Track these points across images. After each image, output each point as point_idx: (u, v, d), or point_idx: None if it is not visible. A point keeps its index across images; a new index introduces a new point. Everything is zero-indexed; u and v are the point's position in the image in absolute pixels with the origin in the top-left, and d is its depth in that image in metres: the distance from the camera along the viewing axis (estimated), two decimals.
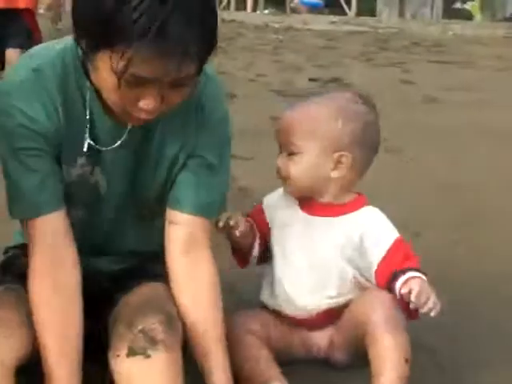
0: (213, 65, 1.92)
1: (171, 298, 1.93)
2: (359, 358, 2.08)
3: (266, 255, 2.23)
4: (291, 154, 2.10)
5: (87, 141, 1.86)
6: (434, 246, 3.07)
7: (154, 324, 1.76)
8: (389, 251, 2.09)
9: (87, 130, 1.86)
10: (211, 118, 1.95)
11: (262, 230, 2.22)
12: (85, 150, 1.87)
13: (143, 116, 1.74)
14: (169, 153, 1.94)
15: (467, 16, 24.83)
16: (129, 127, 1.87)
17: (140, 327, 1.75)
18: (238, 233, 2.12)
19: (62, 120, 1.84)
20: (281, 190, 2.23)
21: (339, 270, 2.12)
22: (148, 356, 1.70)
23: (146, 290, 1.95)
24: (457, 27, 17.99)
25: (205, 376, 1.89)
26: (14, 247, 2.14)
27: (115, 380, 1.75)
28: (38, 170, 1.82)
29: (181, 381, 1.76)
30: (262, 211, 2.24)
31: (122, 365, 1.73)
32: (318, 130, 2.09)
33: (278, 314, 2.19)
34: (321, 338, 2.19)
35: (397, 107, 5.29)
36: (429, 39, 14.02)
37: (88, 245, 1.97)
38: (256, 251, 2.23)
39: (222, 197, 2.03)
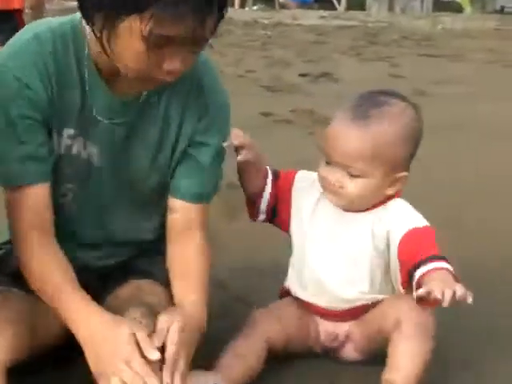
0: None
1: (156, 290, 1.97)
2: (370, 356, 2.12)
3: (275, 217, 2.24)
4: (351, 174, 2.05)
5: (81, 112, 1.90)
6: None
7: (136, 318, 1.79)
8: (413, 232, 2.04)
9: (82, 102, 1.89)
10: (214, 101, 2.00)
11: (281, 190, 2.21)
12: (90, 118, 1.91)
13: (168, 78, 1.79)
14: (169, 133, 1.98)
15: (457, 9, 24.83)
16: (126, 99, 1.91)
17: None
18: (240, 156, 2.11)
19: (56, 89, 1.86)
20: (315, 175, 2.17)
21: (370, 265, 2.10)
22: None
23: (129, 289, 1.98)
24: (447, 20, 18.00)
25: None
26: (6, 243, 2.14)
27: None
28: (29, 139, 1.85)
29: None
30: (292, 180, 2.22)
31: None
32: (384, 156, 2.03)
33: (302, 303, 2.19)
34: (339, 328, 2.19)
35: None
36: (418, 33, 14.04)
37: (77, 233, 2.01)
38: (264, 204, 2.23)
39: (219, 183, 2.11)
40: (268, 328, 2.13)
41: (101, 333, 1.76)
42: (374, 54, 10.25)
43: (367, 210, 2.12)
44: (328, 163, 2.08)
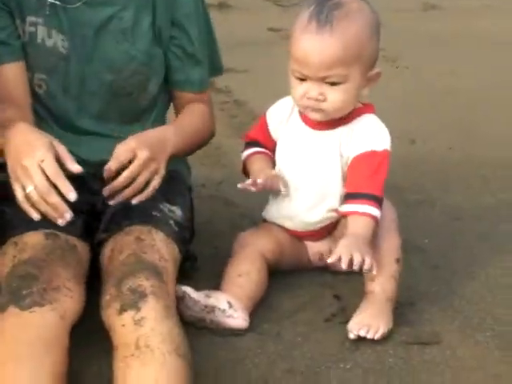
0: None
1: (156, 242, 1.94)
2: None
3: None
4: (332, 83, 1.99)
5: None
6: (428, 153, 3.09)
7: (141, 281, 1.77)
8: (364, 156, 2.06)
9: None
10: None
11: (270, 147, 2.22)
12: (48, 4, 1.96)
13: None
14: (141, 20, 2.03)
15: None
16: None
17: (128, 286, 1.77)
18: (255, 189, 2.09)
19: None
20: (282, 102, 2.19)
21: (339, 183, 2.12)
22: (139, 309, 1.71)
23: (131, 240, 1.94)
24: None
25: None
26: None
27: (111, 336, 1.76)
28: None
29: (176, 321, 1.76)
30: (266, 125, 2.23)
31: (115, 322, 1.74)
32: (362, 53, 1.98)
33: (283, 228, 2.23)
34: (322, 247, 2.24)
35: (394, 15, 5.21)
36: None
37: (66, 123, 2.05)
38: None
39: (212, 66, 2.21)
40: (261, 244, 2.17)
41: (24, 135, 1.80)
42: None
43: (335, 125, 2.10)
44: (303, 79, 2.02)
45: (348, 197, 2.07)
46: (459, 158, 3.14)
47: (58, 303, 1.71)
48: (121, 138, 1.97)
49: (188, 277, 2.08)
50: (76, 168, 1.75)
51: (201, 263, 2.21)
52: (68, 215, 1.75)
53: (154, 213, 2.01)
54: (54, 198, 1.72)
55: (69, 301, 1.75)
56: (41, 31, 1.99)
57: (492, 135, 3.36)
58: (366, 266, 1.91)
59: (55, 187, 1.72)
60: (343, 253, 1.90)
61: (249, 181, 2.08)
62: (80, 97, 2.06)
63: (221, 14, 5.19)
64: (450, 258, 2.38)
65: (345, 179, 2.11)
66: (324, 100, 2.01)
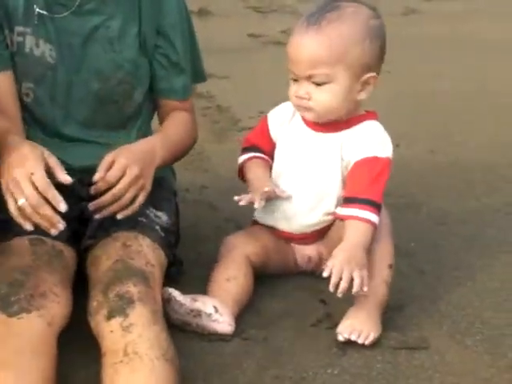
0: None
1: (143, 248, 1.94)
2: None
3: None
4: (318, 83, 2.01)
5: (36, 9, 1.96)
6: (412, 157, 3.09)
7: (128, 287, 1.77)
8: (365, 161, 2.06)
9: None
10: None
11: (269, 152, 2.22)
12: (36, 14, 1.96)
13: None
14: (128, 29, 2.04)
15: None
16: None
17: (115, 292, 1.77)
18: (258, 205, 2.08)
19: None
20: (284, 105, 2.21)
21: (337, 185, 2.12)
22: (126, 315, 1.71)
23: (118, 245, 1.93)
24: None
25: None
26: None
27: (99, 342, 1.75)
28: None
29: (163, 326, 1.75)
30: (266, 127, 2.23)
31: (104, 328, 1.73)
32: (349, 54, 1.99)
33: (272, 229, 2.21)
34: (311, 250, 2.23)
35: None
36: None
37: (53, 131, 2.04)
38: None
39: (195, 73, 2.24)
40: (248, 248, 2.16)
41: (15, 147, 1.81)
42: None
43: (338, 129, 2.11)
44: (295, 80, 2.07)
45: (347, 201, 2.05)
46: (443, 161, 3.14)
47: (45, 309, 1.71)
48: (107, 145, 2.00)
49: (173, 281, 2.06)
50: (66, 179, 1.78)
51: (185, 268, 2.19)
52: (61, 225, 1.77)
53: (140, 218, 2.00)
54: (46, 210, 1.74)
55: (56, 306, 1.74)
56: (29, 41, 1.99)
57: (476, 139, 3.37)
58: (354, 289, 1.90)
59: (46, 199, 1.74)
60: (334, 270, 1.89)
61: (247, 197, 2.07)
62: (67, 105, 2.06)
63: (200, 20, 5.18)
64: (436, 262, 2.37)
65: (344, 183, 2.10)
66: (309, 99, 2.04)
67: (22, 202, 1.74)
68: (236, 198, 2.07)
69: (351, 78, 2.02)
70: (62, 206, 1.74)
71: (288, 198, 2.14)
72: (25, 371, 1.57)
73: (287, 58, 2.05)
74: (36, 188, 1.73)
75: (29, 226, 1.77)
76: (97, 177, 1.87)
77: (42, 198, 1.73)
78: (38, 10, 1.97)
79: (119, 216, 1.91)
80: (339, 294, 1.90)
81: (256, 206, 2.06)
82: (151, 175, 1.96)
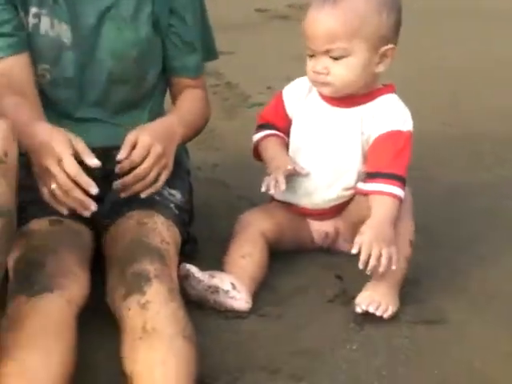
0: None
1: (158, 225, 1.95)
2: None
3: None
4: (335, 57, 2.01)
5: None
6: (423, 130, 3.06)
7: (145, 265, 1.78)
8: (387, 135, 2.05)
9: None
10: None
11: (285, 128, 2.20)
12: None
13: None
14: (142, 8, 2.03)
15: None
16: None
17: (132, 270, 1.77)
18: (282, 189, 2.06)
19: None
20: (299, 81, 2.20)
21: (358, 160, 2.10)
22: (144, 292, 1.72)
23: (133, 224, 1.94)
24: None
25: None
26: None
27: (117, 320, 1.76)
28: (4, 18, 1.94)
29: (180, 304, 1.76)
30: (282, 103, 2.21)
31: (121, 306, 1.74)
32: (365, 28, 1.98)
33: (289, 205, 2.20)
34: (328, 226, 2.22)
35: None
36: None
37: (70, 112, 2.04)
38: None
39: (207, 51, 2.23)
40: (262, 225, 2.16)
41: (42, 134, 1.81)
42: None
43: (356, 103, 2.10)
44: (312, 56, 2.06)
45: (371, 176, 2.04)
46: (454, 134, 3.12)
47: (66, 289, 1.72)
48: (119, 126, 2.02)
49: (188, 259, 2.04)
50: (95, 163, 1.78)
51: (199, 245, 2.19)
52: (93, 207, 1.79)
53: (155, 197, 2.00)
54: (78, 194, 1.77)
55: (76, 286, 1.75)
56: (44, 22, 1.99)
57: (485, 109, 3.35)
58: (381, 268, 1.90)
59: (77, 183, 1.76)
60: (364, 248, 1.89)
61: (271, 182, 2.05)
62: (81, 85, 2.05)
63: None
64: (452, 235, 2.36)
65: (364, 157, 2.08)
66: (328, 74, 2.03)
67: (54, 186, 1.76)
68: (263, 189, 2.05)
69: (369, 50, 2.01)
70: (93, 190, 1.76)
71: (307, 174, 2.12)
72: (47, 350, 1.58)
73: (304, 34, 2.04)
74: (67, 174, 1.75)
75: (65, 211, 1.80)
76: (121, 155, 1.86)
77: (73, 184, 1.75)
78: None
79: (143, 195, 1.91)
80: (368, 272, 1.90)
81: (282, 188, 2.04)
82: (173, 153, 1.96)
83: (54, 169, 1.75)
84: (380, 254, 1.89)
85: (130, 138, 1.87)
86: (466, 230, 2.39)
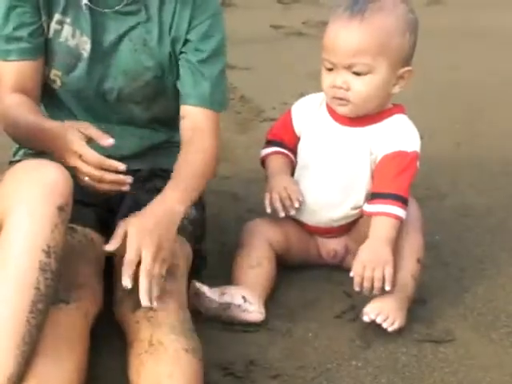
0: None
1: None
2: None
3: None
4: (357, 73, 2.01)
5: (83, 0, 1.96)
6: (436, 148, 3.07)
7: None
8: (392, 155, 2.05)
9: None
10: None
11: (292, 146, 2.21)
12: (84, 5, 1.96)
13: None
14: (163, 34, 2.02)
15: None
16: None
17: None
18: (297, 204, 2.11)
19: None
20: (309, 98, 2.20)
21: (366, 180, 2.10)
22: (152, 306, 1.72)
23: None
24: None
25: None
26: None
27: (124, 331, 1.77)
28: (19, 21, 1.94)
29: (187, 317, 1.77)
30: (290, 120, 2.22)
31: (129, 318, 1.75)
32: (391, 46, 1.98)
33: (297, 222, 2.20)
34: (337, 244, 2.22)
35: None
36: None
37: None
38: None
39: (223, 87, 2.09)
40: (269, 234, 2.17)
41: (54, 135, 1.80)
42: None
43: (365, 123, 2.10)
44: (330, 70, 2.04)
45: (373, 196, 2.05)
46: (467, 153, 3.12)
47: (82, 301, 1.73)
48: (123, 138, 2.02)
49: (198, 272, 2.05)
50: (110, 142, 1.77)
51: (208, 258, 2.18)
52: (129, 179, 1.78)
53: None
54: (110, 176, 1.76)
55: (91, 298, 1.77)
56: (66, 30, 1.99)
57: (498, 130, 3.34)
58: (374, 290, 1.94)
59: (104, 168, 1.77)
60: (357, 270, 1.94)
61: (279, 207, 2.10)
62: (89, 98, 2.05)
63: (224, 12, 5.15)
64: (460, 254, 2.36)
65: (373, 177, 2.09)
66: (348, 89, 2.02)
67: (87, 179, 1.77)
68: (268, 210, 2.10)
69: (390, 70, 2.01)
70: (121, 167, 1.76)
71: (299, 206, 2.12)
72: (62, 360, 1.58)
73: (325, 47, 2.04)
74: (92, 166, 1.75)
75: (103, 188, 1.77)
76: (109, 248, 1.78)
77: (101, 171, 1.75)
78: (84, 1, 1.96)
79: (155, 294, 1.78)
80: (365, 293, 1.93)
81: (292, 213, 2.09)
82: (171, 241, 1.82)
83: (80, 165, 1.75)
84: (372, 275, 1.92)
85: (118, 232, 1.79)
86: (474, 250, 2.39)
